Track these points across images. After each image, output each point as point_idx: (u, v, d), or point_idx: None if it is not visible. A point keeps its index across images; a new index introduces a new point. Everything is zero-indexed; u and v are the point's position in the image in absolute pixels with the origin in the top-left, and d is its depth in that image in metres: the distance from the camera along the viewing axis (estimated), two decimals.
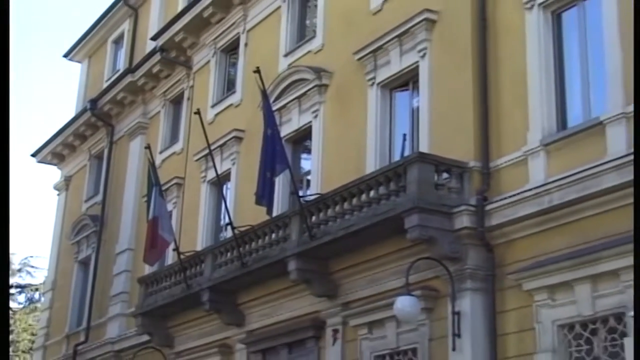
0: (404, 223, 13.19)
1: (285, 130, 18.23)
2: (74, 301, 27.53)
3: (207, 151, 19.11)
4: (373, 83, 16.28)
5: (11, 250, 55.48)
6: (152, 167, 19.47)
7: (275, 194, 16.40)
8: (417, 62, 15.38)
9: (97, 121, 27.89)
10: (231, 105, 21.03)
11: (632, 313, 10.56)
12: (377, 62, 16.22)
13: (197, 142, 20.95)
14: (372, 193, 14.18)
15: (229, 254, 17.80)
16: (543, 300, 12.21)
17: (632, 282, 11.09)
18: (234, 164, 20.21)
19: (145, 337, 21.20)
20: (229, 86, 21.71)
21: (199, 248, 20.02)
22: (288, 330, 16.63)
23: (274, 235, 16.56)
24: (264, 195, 15.79)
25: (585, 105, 12.79)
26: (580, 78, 13.00)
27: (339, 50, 17.39)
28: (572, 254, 11.82)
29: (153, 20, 27.13)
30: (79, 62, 32.70)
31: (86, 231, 27.36)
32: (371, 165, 15.74)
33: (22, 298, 46.30)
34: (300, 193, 16.63)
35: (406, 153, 15.34)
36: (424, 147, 14.56)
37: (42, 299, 35.71)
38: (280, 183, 17.45)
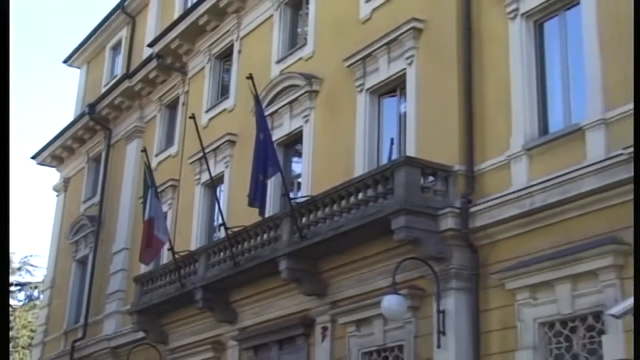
0: (391, 224, 13.18)
1: (277, 135, 18.19)
2: (72, 299, 27.44)
3: (201, 154, 19.05)
4: (362, 89, 16.27)
5: (11, 249, 55.36)
6: (148, 170, 19.41)
7: (267, 196, 16.35)
8: (405, 69, 15.38)
9: (95, 125, 27.80)
10: (225, 110, 20.98)
11: (610, 311, 10.57)
12: (366, 69, 16.21)
13: (191, 146, 20.90)
14: (360, 195, 14.16)
15: (222, 254, 17.76)
16: (525, 299, 12.21)
17: (610, 282, 11.15)
18: (227, 166, 20.17)
19: (141, 334, 21.11)
20: (223, 92, 21.67)
21: (193, 248, 19.97)
22: (279, 327, 16.60)
23: (265, 236, 16.53)
24: (256, 197, 15.75)
25: (566, 112, 12.81)
26: (561, 85, 13.03)
27: (329, 58, 17.37)
28: (553, 255, 11.83)
29: (150, 28, 27.07)
30: (78, 67, 32.60)
31: (84, 231, 27.28)
32: (360, 168, 15.72)
33: (21, 296, 46.20)
34: (291, 195, 16.59)
35: (393, 157, 15.33)
36: (410, 151, 14.55)
37: (41, 296, 35.55)
38: (272, 185, 17.41)
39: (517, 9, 13.53)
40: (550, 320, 11.91)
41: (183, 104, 23.50)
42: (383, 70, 15.85)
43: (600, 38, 12.11)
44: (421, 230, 13.12)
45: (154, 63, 24.03)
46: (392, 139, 15.84)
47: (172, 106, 24.54)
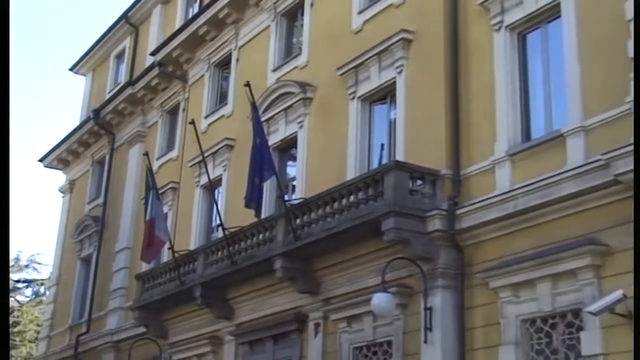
0: (381, 226, 13.19)
1: (273, 140, 18.19)
2: (76, 295, 27.37)
3: (200, 158, 19.06)
4: (354, 97, 16.29)
5: (19, 247, 55.37)
6: (150, 173, 19.39)
7: (263, 198, 16.36)
8: (395, 77, 15.40)
9: (99, 130, 27.78)
10: (223, 116, 20.98)
11: (588, 309, 10.61)
12: (357, 78, 16.23)
13: (191, 150, 20.90)
14: (352, 198, 14.17)
15: (219, 253, 17.75)
16: (507, 297, 12.22)
17: (588, 281, 11.18)
18: (225, 170, 20.16)
19: (142, 329, 21.09)
20: (222, 98, 21.66)
21: (192, 247, 19.95)
22: (273, 323, 16.59)
23: (261, 236, 16.52)
24: (253, 199, 15.76)
25: (548, 119, 12.83)
26: (543, 93, 13.05)
27: (322, 66, 17.39)
28: (534, 255, 11.85)
29: (152, 37, 27.06)
30: (83, 75, 32.56)
31: (88, 231, 27.22)
32: (351, 172, 15.73)
33: (28, 292, 46.17)
34: (286, 197, 16.58)
35: (384, 161, 15.33)
36: (400, 156, 14.56)
37: (47, 293, 35.50)
38: (268, 188, 17.41)
39: (501, 21, 13.57)
40: (531, 317, 11.93)
41: (183, 110, 23.49)
42: (374, 79, 15.87)
43: (580, 49, 12.15)
44: (410, 231, 13.13)
45: (155, 71, 24.03)
46: (382, 144, 15.86)
47: (173, 112, 24.52)
